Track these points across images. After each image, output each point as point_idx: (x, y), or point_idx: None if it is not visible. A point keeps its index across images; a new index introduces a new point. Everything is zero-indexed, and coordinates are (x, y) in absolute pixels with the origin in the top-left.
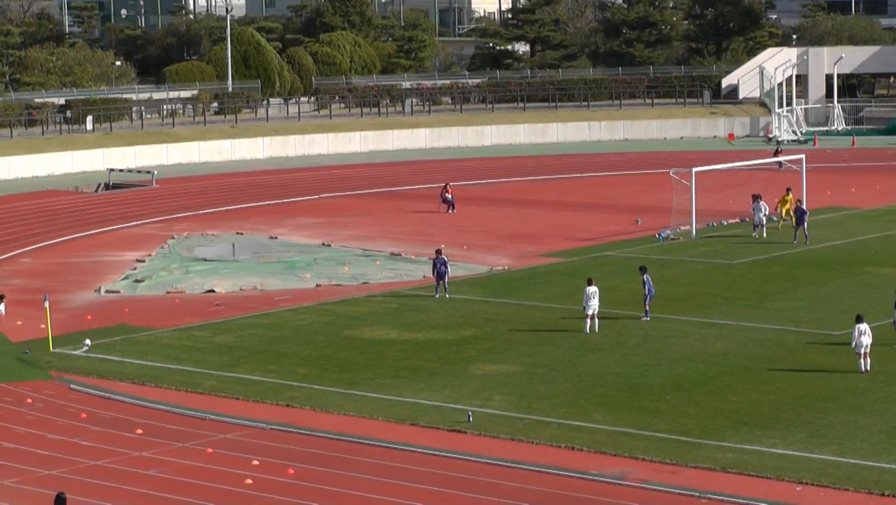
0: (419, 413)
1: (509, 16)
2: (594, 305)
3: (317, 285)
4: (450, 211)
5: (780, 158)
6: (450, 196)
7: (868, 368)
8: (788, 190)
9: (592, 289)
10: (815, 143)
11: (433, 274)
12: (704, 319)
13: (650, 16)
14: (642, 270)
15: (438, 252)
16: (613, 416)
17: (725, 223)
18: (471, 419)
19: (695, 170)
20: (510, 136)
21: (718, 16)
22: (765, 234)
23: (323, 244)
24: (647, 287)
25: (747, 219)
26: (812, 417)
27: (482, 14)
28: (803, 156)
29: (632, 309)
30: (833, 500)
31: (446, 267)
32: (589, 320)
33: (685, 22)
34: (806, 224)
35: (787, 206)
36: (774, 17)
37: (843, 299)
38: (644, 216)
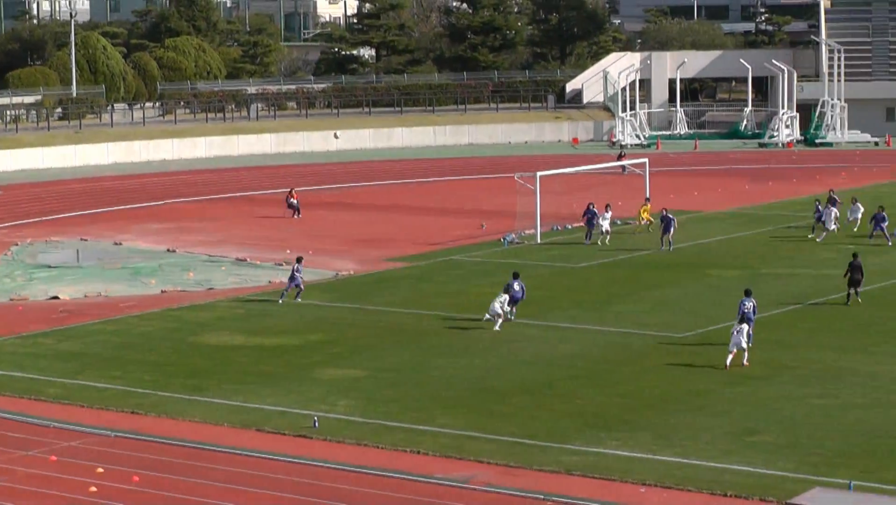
0: (265, 418)
1: (354, 21)
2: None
3: (162, 291)
4: (295, 216)
5: (624, 162)
6: (295, 201)
7: (728, 364)
8: (647, 200)
9: (505, 297)
10: (658, 147)
11: (289, 280)
12: (550, 323)
13: (495, 21)
14: (515, 275)
15: (299, 260)
16: (460, 419)
17: (570, 227)
18: (317, 424)
19: (539, 174)
20: (356, 141)
21: (562, 21)
22: (608, 242)
23: (168, 250)
24: (512, 290)
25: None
26: (656, 418)
27: (328, 19)
28: (646, 160)
29: (476, 312)
30: (676, 501)
31: (299, 274)
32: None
33: (530, 27)
34: (672, 232)
35: (646, 214)
36: (618, 21)
37: (687, 302)
38: (489, 220)
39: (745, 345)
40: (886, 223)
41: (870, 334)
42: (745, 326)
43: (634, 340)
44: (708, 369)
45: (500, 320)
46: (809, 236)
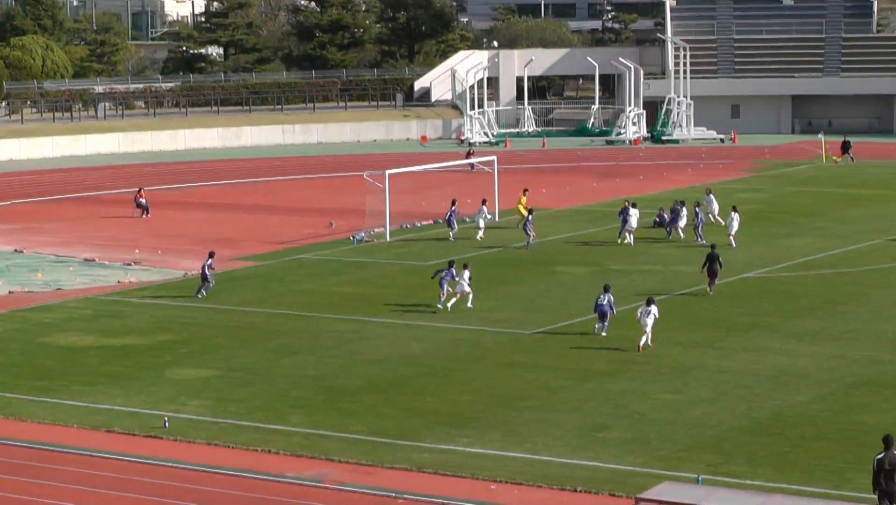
0: (115, 419)
1: (202, 19)
2: (461, 285)
3: (10, 292)
4: (144, 216)
5: (473, 160)
6: (144, 200)
7: (643, 345)
8: (525, 190)
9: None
10: (506, 145)
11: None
12: (401, 321)
13: (343, 19)
14: (451, 263)
15: (212, 255)
16: (310, 418)
17: (419, 224)
18: (167, 425)
19: (388, 172)
20: (204, 140)
21: (410, 19)
22: (481, 237)
23: (15, 251)
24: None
25: (440, 220)
26: (506, 415)
27: (175, 18)
28: (495, 157)
29: (325, 312)
30: (527, 497)
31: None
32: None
33: (378, 25)
34: (528, 228)
35: (522, 207)
36: (466, 20)
37: (536, 299)
38: (338, 219)
39: (649, 328)
40: (683, 222)
41: (716, 329)
42: (652, 308)
43: (484, 337)
44: (557, 366)
45: (454, 300)
46: (619, 241)
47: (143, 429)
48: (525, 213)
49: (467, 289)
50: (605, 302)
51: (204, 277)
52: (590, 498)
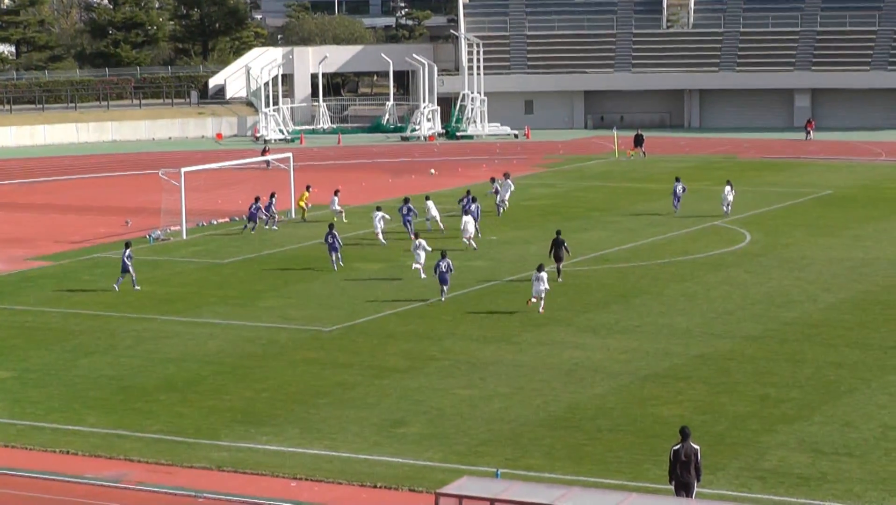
0: None
1: None
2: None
3: None
4: None
5: (268, 157)
6: None
7: (538, 308)
8: (308, 187)
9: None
10: (301, 142)
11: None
12: (197, 319)
13: (136, 16)
14: (331, 226)
15: (128, 245)
16: (108, 418)
17: (215, 222)
18: None
19: (184, 170)
20: None
21: (204, 16)
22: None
23: None
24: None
25: (237, 217)
26: (304, 412)
27: None
28: (290, 154)
29: (121, 311)
30: (327, 494)
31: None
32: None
33: (171, 22)
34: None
35: (303, 202)
36: (260, 17)
37: (332, 296)
38: (134, 217)
39: (543, 294)
40: (413, 216)
41: (512, 324)
42: (543, 274)
43: (281, 334)
44: (355, 362)
45: (418, 266)
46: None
47: None
48: (305, 208)
49: (422, 261)
50: (443, 267)
51: (125, 269)
52: (390, 494)
